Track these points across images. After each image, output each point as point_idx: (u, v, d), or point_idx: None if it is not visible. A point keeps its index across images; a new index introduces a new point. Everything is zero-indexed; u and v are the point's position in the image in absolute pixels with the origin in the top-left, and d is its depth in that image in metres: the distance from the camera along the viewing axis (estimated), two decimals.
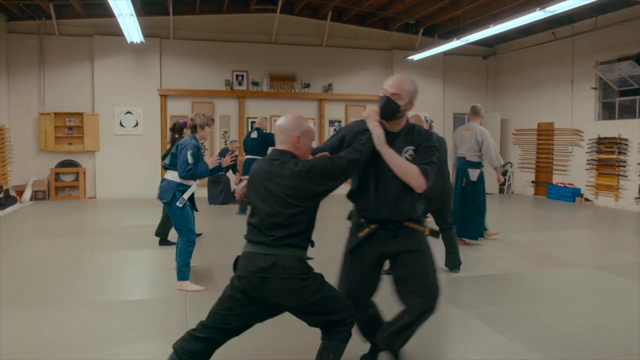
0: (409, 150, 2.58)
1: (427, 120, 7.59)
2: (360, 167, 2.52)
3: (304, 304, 2.37)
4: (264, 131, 8.69)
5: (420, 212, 2.67)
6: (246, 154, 8.66)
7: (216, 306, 2.50)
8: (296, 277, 2.32)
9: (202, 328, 2.48)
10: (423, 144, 2.59)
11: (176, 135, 6.16)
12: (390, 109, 2.56)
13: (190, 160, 4.29)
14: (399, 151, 2.56)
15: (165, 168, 4.61)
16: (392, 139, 2.58)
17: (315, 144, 2.64)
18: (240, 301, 2.41)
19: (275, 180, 2.37)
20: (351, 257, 2.74)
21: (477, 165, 6.22)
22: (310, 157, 2.52)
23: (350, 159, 2.43)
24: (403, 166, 2.52)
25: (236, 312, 2.44)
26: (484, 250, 6.06)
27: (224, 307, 2.46)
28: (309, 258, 2.45)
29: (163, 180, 4.56)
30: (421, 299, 2.55)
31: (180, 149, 4.40)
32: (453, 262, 5.05)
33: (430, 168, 2.54)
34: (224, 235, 7.04)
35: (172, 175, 4.46)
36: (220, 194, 10.19)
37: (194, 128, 4.55)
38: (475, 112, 6.32)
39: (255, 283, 2.34)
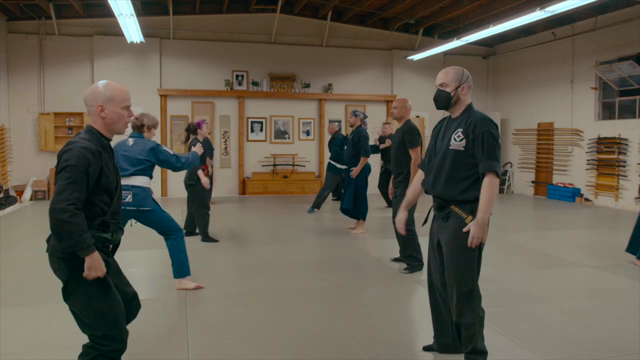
0: (458, 132, 2.73)
1: (357, 115, 7.23)
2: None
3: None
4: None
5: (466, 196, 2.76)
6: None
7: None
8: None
9: None
10: (473, 130, 2.69)
11: (191, 136, 6.20)
12: (440, 98, 2.83)
13: (172, 152, 4.24)
14: (451, 134, 2.75)
15: (130, 175, 4.13)
16: (450, 124, 2.84)
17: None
18: None
19: None
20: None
21: None
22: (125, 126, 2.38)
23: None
24: (488, 198, 2.62)
25: None
26: (483, 250, 6.05)
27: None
28: None
29: (132, 187, 4.10)
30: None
31: (150, 150, 4.17)
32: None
33: (495, 162, 2.64)
34: (224, 235, 7.03)
35: (141, 181, 4.18)
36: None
37: (140, 127, 4.37)
38: None
39: None
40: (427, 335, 3.45)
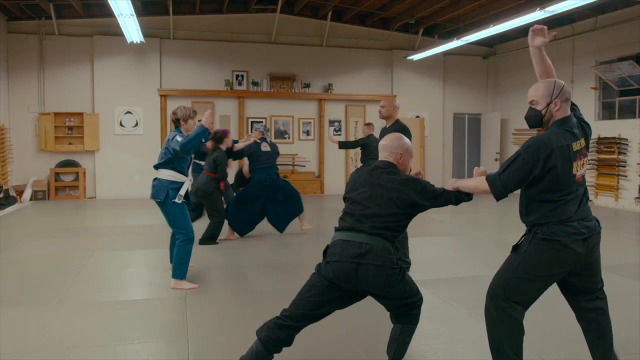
0: None
1: (257, 129, 6.91)
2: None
3: (390, 289, 2.57)
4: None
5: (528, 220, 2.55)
6: None
7: (304, 294, 2.64)
8: (388, 265, 2.52)
9: (289, 316, 2.62)
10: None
11: (217, 145, 6.17)
12: (530, 118, 2.69)
13: (179, 139, 4.21)
14: None
15: (155, 168, 4.41)
16: None
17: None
18: (330, 287, 2.58)
19: (383, 184, 2.64)
20: None
21: None
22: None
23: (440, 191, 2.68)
24: (473, 186, 2.63)
25: (325, 298, 2.59)
26: (483, 250, 6.06)
27: (313, 293, 2.61)
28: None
29: (155, 179, 4.39)
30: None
31: (169, 140, 4.33)
32: None
33: (497, 176, 2.46)
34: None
35: (163, 174, 4.33)
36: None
37: (177, 122, 4.46)
38: None
39: (350, 268, 2.51)
40: (426, 334, 3.45)
